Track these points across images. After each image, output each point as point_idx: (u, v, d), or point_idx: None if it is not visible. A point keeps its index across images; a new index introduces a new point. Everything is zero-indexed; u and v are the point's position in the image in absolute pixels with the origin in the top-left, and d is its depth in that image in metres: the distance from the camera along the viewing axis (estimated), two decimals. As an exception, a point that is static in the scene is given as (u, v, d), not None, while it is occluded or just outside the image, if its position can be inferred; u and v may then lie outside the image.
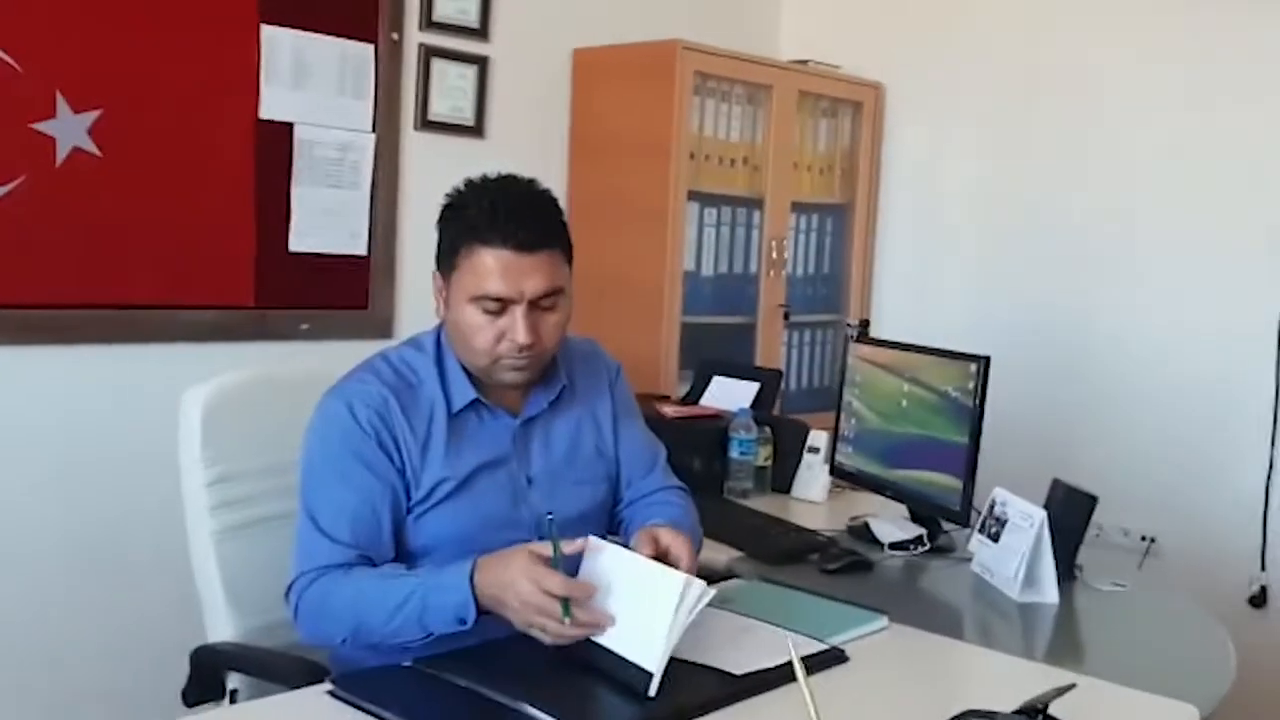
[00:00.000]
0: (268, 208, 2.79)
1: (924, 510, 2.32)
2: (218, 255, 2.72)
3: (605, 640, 1.49)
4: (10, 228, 2.42)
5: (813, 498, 2.66)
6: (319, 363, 2.10)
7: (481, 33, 3.17)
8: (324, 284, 2.92)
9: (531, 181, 1.70)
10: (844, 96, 3.72)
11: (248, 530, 1.91)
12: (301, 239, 2.86)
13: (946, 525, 2.35)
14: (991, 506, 2.12)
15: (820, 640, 1.64)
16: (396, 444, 1.68)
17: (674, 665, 1.44)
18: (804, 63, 3.58)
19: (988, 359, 2.15)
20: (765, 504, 2.58)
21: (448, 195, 1.69)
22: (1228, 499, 3.13)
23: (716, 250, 3.47)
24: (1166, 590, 2.26)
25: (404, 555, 1.71)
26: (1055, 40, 3.41)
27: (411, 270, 3.09)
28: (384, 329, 3.05)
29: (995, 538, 2.07)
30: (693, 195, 3.31)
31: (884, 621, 1.77)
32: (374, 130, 2.96)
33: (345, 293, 2.98)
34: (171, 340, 2.67)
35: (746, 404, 2.85)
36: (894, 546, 2.26)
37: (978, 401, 2.15)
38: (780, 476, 2.71)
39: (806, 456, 2.70)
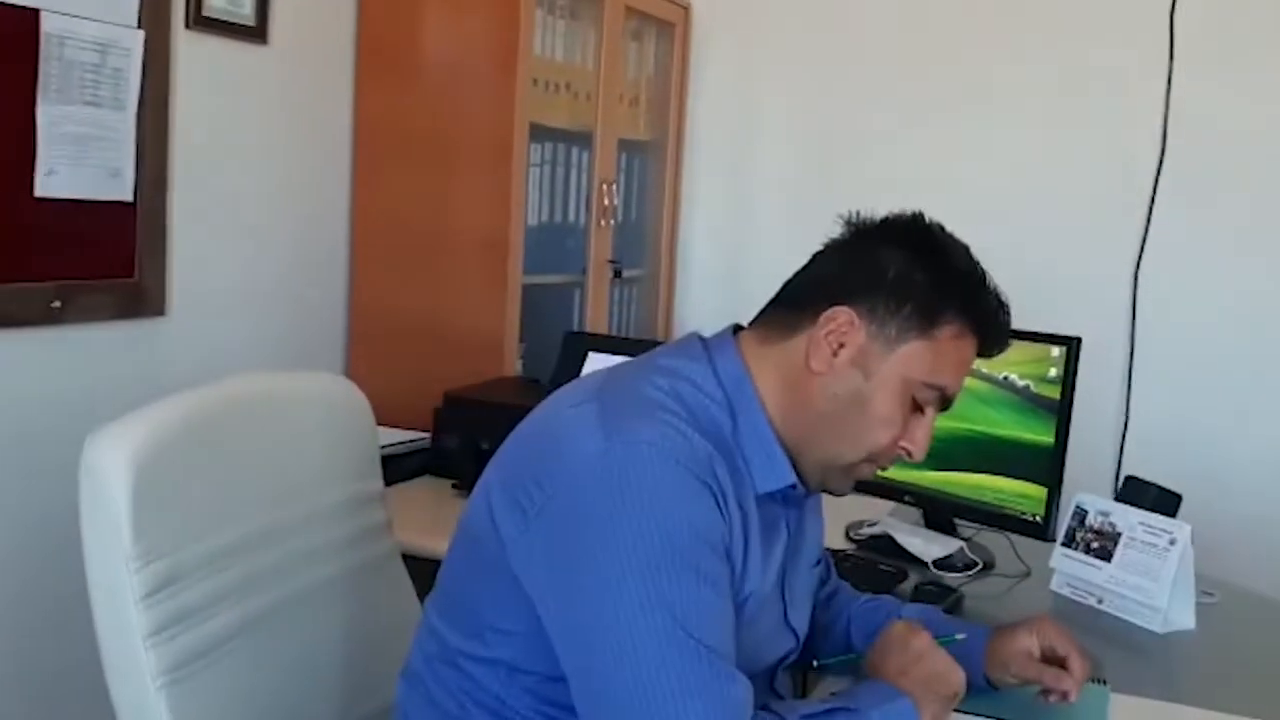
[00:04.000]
0: (5, 133, 1.88)
1: (979, 521, 1.94)
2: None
3: None
4: None
5: (766, 501, 2.22)
6: (252, 386, 1.36)
7: (264, -101, 2.35)
8: (79, 245, 2.03)
9: None
10: (656, 15, 3.22)
11: (208, 666, 1.19)
12: (51, 180, 1.96)
13: (964, 530, 2.01)
14: (1083, 517, 1.79)
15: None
16: (729, 530, 1.10)
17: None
18: (626, -27, 3.04)
19: (1077, 341, 1.79)
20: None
21: (934, 234, 1.20)
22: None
23: (540, 196, 2.88)
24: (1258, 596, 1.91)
25: None
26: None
27: (183, 226, 2.25)
28: (155, 306, 2.20)
29: (1103, 555, 1.74)
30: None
31: (1109, 692, 1.40)
32: (140, 26, 2.09)
33: (104, 257, 2.09)
34: None
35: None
36: (938, 565, 1.88)
37: (1066, 392, 1.79)
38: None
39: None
